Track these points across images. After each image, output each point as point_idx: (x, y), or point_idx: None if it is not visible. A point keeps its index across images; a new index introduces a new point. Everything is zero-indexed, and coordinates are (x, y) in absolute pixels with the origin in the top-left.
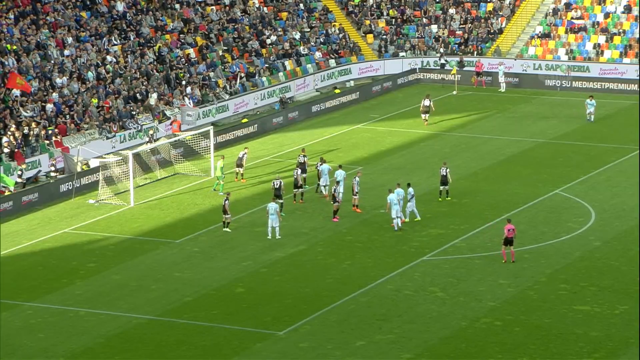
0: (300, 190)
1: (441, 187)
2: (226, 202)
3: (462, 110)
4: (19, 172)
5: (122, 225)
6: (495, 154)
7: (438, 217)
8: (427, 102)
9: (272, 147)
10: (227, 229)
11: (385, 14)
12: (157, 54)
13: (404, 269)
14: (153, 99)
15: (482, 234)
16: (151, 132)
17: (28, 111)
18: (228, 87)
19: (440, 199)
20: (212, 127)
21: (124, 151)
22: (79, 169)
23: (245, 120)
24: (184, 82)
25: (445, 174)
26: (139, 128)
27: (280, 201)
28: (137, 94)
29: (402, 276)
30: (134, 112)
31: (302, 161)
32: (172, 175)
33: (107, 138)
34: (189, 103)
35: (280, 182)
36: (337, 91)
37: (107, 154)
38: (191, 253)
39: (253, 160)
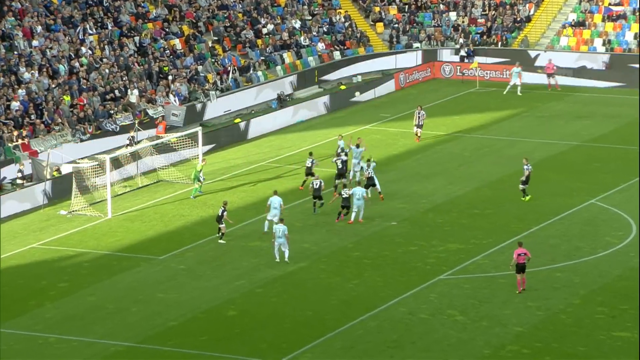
0: (341, 180)
1: (521, 187)
2: (224, 212)
3: (484, 108)
4: None
5: (98, 239)
6: (522, 158)
7: (458, 230)
8: (420, 114)
9: (268, 151)
10: (222, 240)
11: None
12: (138, 45)
13: (419, 289)
14: (133, 96)
15: (508, 249)
16: (131, 133)
17: None
18: (219, 82)
19: (523, 199)
20: (200, 128)
21: (101, 155)
22: (49, 176)
23: (238, 120)
24: (169, 77)
25: (529, 172)
26: (117, 129)
27: (321, 201)
28: (116, 91)
29: (417, 297)
30: (111, 111)
31: (340, 149)
32: (155, 183)
33: (82, 140)
34: (175, 101)
35: (320, 182)
36: (342, 87)
37: (81, 158)
38: (176, 271)
39: (247, 165)
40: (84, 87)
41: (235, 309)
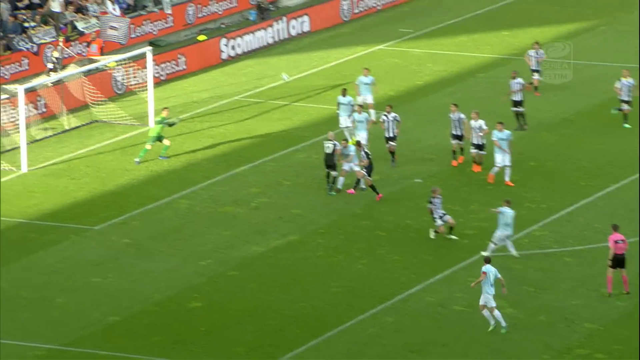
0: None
1: None
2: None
3: (544, 20)
4: None
5: (9, 202)
6: (597, 90)
7: (506, 190)
8: (537, 54)
9: (245, 81)
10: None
11: None
12: None
13: (452, 271)
14: (57, 3)
15: (576, 216)
16: (55, 54)
17: None
18: None
19: None
20: (150, 48)
21: (11, 85)
22: None
23: (203, 37)
24: None
25: None
26: (35, 49)
27: (335, 173)
28: None
29: (450, 283)
30: (26, 25)
31: None
32: (89, 125)
33: None
34: (114, 10)
35: (334, 145)
36: None
37: None
38: (119, 247)
39: (215, 100)
40: None
41: (200, 299)
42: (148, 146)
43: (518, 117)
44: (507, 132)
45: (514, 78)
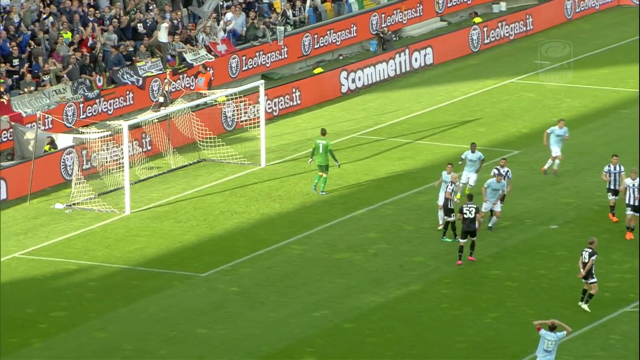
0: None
1: None
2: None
3: None
4: None
5: (111, 247)
6: None
7: None
8: None
9: (364, 116)
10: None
11: None
12: None
13: (591, 327)
14: (163, 32)
15: None
16: (165, 87)
17: None
18: (290, 13)
19: None
20: (262, 81)
21: (115, 122)
22: (38, 151)
23: (319, 70)
24: (211, 4)
25: None
26: (140, 82)
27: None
28: (138, 25)
29: (588, 340)
30: (132, 55)
31: None
32: (195, 164)
33: (87, 99)
34: (223, 43)
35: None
36: (476, 20)
37: (87, 126)
38: (226, 295)
39: (332, 137)
40: (90, 18)
41: (313, 353)
42: (325, 174)
43: None
44: None
45: None
